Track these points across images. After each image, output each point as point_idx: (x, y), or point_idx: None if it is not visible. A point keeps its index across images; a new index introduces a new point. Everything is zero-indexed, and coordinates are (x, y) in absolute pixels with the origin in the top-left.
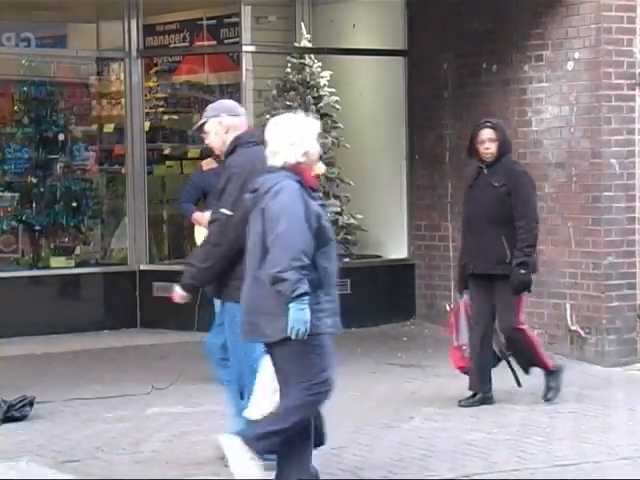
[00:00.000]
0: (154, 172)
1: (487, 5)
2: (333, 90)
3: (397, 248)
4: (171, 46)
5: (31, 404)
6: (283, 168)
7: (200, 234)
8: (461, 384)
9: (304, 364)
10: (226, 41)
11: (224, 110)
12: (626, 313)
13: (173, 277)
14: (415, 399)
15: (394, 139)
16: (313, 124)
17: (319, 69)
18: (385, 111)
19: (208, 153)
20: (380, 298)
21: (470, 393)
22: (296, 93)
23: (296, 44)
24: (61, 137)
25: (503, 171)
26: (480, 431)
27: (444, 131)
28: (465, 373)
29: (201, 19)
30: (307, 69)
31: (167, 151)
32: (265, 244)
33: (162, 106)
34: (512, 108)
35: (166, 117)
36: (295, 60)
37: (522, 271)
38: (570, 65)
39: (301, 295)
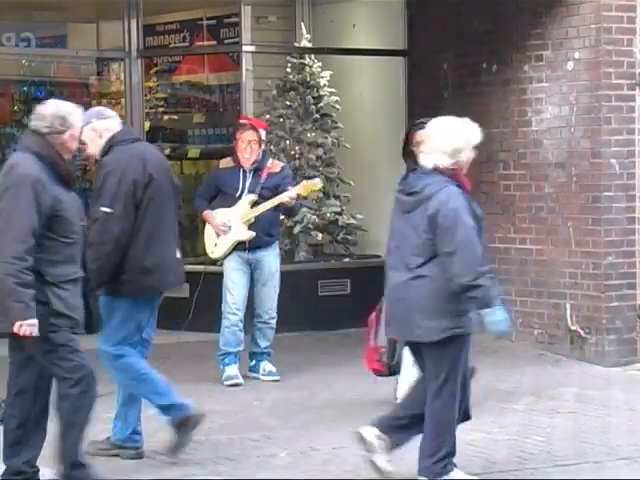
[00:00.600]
0: None
1: (487, 5)
2: (333, 90)
3: None
4: (171, 46)
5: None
6: (438, 171)
7: (207, 231)
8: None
9: (453, 364)
10: (226, 41)
11: (93, 116)
12: (626, 313)
13: None
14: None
15: (394, 139)
16: (472, 131)
17: (319, 69)
18: (385, 111)
19: (225, 153)
20: (380, 298)
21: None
22: (296, 93)
23: (296, 44)
24: None
25: None
26: (480, 431)
27: None
28: (380, 376)
29: (201, 19)
30: (307, 69)
31: (167, 151)
32: (427, 246)
33: (162, 106)
34: (512, 108)
35: (166, 117)
36: (295, 60)
37: None
38: (570, 65)
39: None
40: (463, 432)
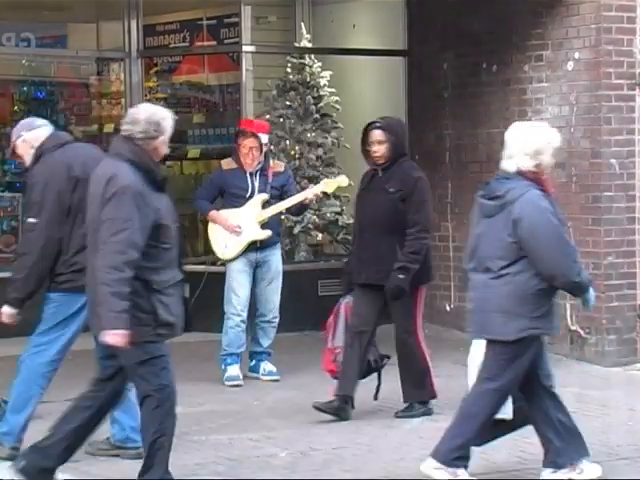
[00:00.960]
0: None
1: (487, 5)
2: (333, 90)
3: None
4: (171, 46)
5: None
6: (520, 174)
7: (214, 232)
8: (461, 384)
9: (518, 365)
10: (226, 41)
11: (24, 128)
12: (626, 313)
13: None
14: None
15: None
16: (553, 133)
17: (319, 69)
18: (385, 111)
19: (225, 153)
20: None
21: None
22: (296, 93)
23: (296, 44)
24: None
25: (399, 176)
26: None
27: (444, 131)
28: (335, 378)
29: (201, 19)
30: (307, 69)
31: (167, 151)
32: (511, 249)
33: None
34: (512, 108)
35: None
36: (295, 60)
37: (400, 276)
38: (570, 65)
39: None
40: None
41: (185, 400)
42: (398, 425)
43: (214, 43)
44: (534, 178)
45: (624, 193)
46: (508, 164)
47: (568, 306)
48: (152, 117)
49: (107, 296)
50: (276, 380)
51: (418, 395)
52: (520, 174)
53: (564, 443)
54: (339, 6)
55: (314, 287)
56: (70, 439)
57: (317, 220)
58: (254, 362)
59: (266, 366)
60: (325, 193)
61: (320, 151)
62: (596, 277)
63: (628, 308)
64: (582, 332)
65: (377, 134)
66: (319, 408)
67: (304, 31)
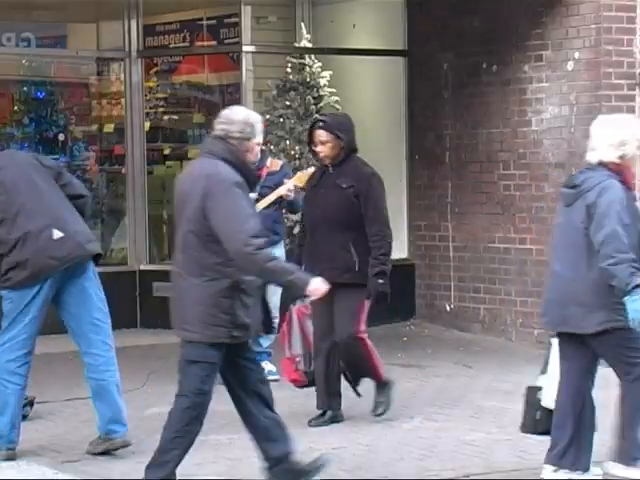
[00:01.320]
0: (154, 172)
1: (487, 5)
2: (333, 90)
3: (397, 248)
4: (171, 46)
5: (31, 404)
6: (603, 165)
7: None
8: (461, 384)
9: (618, 356)
10: (226, 41)
11: None
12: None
13: None
14: (415, 399)
15: (394, 139)
16: (639, 128)
17: (319, 69)
18: (385, 111)
19: None
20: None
21: (319, 412)
22: (296, 93)
23: (296, 44)
24: (61, 137)
25: (351, 171)
26: (480, 431)
27: (444, 131)
28: (300, 387)
29: (201, 19)
30: (307, 69)
31: (167, 151)
32: (587, 239)
33: (162, 106)
34: (512, 108)
35: (166, 117)
36: (295, 60)
37: (380, 281)
38: (570, 65)
39: (635, 288)
40: (463, 432)
41: None
42: (398, 425)
43: (214, 43)
44: (617, 170)
45: None
46: (591, 155)
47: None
48: (248, 119)
49: (271, 267)
50: (276, 380)
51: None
52: (602, 165)
53: (574, 446)
54: (339, 6)
55: None
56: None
57: None
58: None
59: (266, 366)
60: (300, 186)
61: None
62: None
63: None
64: None
65: (320, 134)
66: (316, 425)
67: (304, 31)
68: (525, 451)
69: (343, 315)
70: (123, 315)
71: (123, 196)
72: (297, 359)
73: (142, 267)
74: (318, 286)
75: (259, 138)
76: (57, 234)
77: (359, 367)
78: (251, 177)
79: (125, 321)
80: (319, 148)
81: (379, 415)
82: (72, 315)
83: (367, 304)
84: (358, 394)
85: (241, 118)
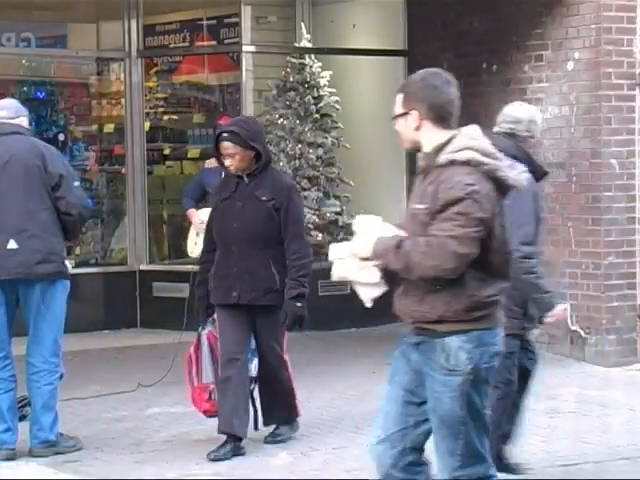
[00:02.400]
0: (154, 172)
1: (487, 5)
2: (333, 90)
3: None
4: (171, 46)
5: (31, 404)
6: None
7: (191, 230)
8: None
9: None
10: (226, 41)
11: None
12: (626, 313)
13: (173, 277)
14: None
15: (394, 139)
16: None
17: (319, 69)
18: (385, 111)
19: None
20: (380, 298)
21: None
22: (296, 93)
23: (296, 44)
24: (61, 137)
25: (270, 183)
26: None
27: None
28: (211, 416)
29: (201, 19)
30: (307, 69)
31: (167, 151)
32: None
33: (162, 106)
34: None
35: (166, 117)
36: (295, 60)
37: (298, 304)
38: (570, 65)
39: None
40: None
41: (185, 400)
42: None
43: (214, 43)
44: None
45: (624, 193)
46: None
47: (568, 306)
48: (533, 117)
49: (534, 282)
50: None
51: (285, 416)
52: None
53: None
54: (339, 6)
55: (314, 287)
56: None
57: (317, 220)
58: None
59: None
60: None
61: (320, 151)
62: (596, 277)
63: (628, 308)
64: (582, 332)
65: (226, 146)
66: (216, 460)
67: (304, 31)
68: (525, 451)
69: (269, 340)
70: (123, 315)
71: (123, 196)
72: (211, 388)
73: (142, 267)
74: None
75: (537, 137)
76: (12, 245)
77: (278, 394)
78: (541, 174)
79: (125, 321)
80: (227, 162)
81: (273, 442)
82: (28, 322)
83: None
84: (256, 426)
85: (527, 117)
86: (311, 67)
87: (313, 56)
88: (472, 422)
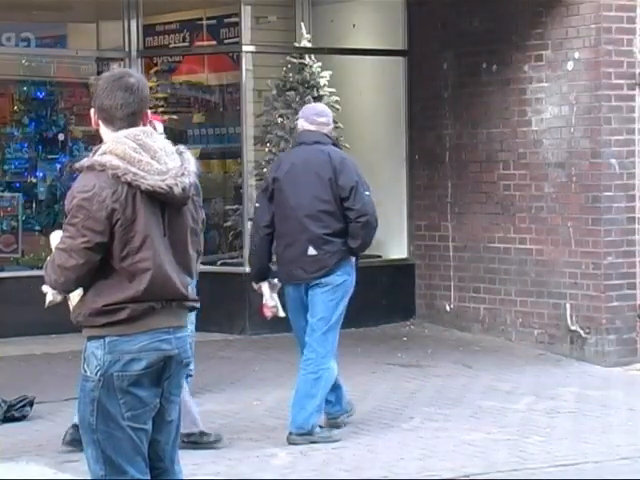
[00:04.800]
0: None
1: (487, 5)
2: (333, 90)
3: (397, 248)
4: (171, 46)
5: (31, 404)
6: None
7: None
8: (461, 384)
9: None
10: (226, 41)
11: None
12: (626, 313)
13: None
14: (415, 399)
15: (394, 139)
16: None
17: (319, 69)
18: (385, 111)
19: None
20: (380, 298)
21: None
22: (296, 93)
23: (296, 44)
24: (61, 137)
25: None
26: (480, 431)
27: (444, 131)
28: None
29: (201, 19)
30: (307, 69)
31: None
32: None
33: (162, 106)
34: (512, 108)
35: (166, 117)
36: (295, 60)
37: None
38: (570, 65)
39: None
40: (463, 432)
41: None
42: (398, 425)
43: (214, 43)
44: None
45: (624, 193)
46: None
47: (568, 306)
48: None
49: None
50: None
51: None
52: None
53: None
54: (339, 6)
55: None
56: None
57: None
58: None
59: None
60: None
61: None
62: (596, 277)
63: (628, 308)
64: (582, 332)
65: None
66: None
67: (304, 31)
68: (525, 451)
69: None
70: None
71: None
72: None
73: None
74: None
75: None
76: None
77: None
78: None
79: None
80: None
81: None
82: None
83: None
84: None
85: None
86: (311, 67)
87: (313, 56)
88: (108, 431)
